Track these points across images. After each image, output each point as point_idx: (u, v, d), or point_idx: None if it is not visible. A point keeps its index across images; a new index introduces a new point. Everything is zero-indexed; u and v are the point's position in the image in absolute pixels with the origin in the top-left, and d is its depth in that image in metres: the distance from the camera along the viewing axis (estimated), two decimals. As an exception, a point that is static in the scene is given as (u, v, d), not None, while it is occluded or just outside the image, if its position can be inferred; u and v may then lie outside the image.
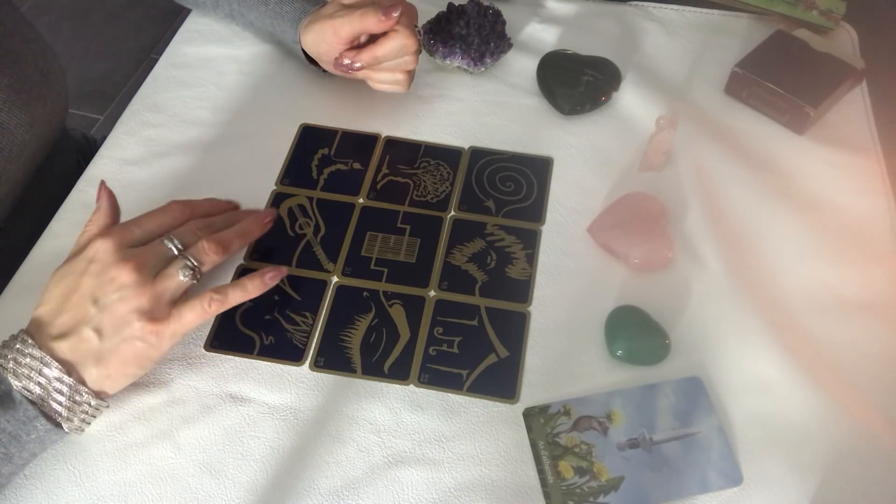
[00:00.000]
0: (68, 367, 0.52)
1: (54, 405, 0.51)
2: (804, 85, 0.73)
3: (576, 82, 0.75)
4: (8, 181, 0.68)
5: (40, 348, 0.51)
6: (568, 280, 0.64)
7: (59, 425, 0.52)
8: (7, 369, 0.50)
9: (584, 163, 0.72)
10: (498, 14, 0.79)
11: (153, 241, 0.56)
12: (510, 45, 0.79)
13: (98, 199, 0.59)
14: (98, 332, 0.52)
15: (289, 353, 0.61)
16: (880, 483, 0.54)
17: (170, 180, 0.71)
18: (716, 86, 0.78)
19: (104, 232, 0.56)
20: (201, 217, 0.61)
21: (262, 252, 0.66)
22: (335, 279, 0.65)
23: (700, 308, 0.62)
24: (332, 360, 0.60)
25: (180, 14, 0.87)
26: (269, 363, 0.60)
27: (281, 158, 0.73)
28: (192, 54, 0.83)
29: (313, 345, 0.61)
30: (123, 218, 0.59)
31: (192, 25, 0.86)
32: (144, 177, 0.72)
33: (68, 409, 0.52)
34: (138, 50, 2.01)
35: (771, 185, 0.70)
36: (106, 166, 0.73)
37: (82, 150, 0.87)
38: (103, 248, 0.54)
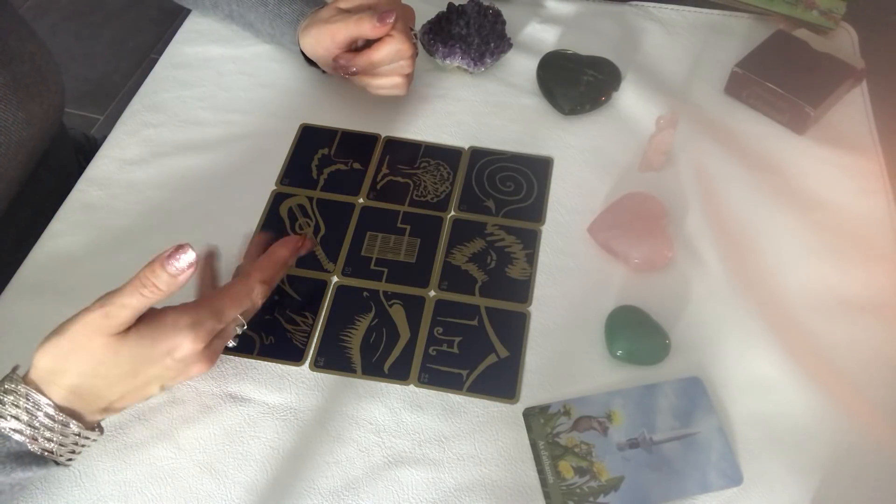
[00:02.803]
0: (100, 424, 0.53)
1: (72, 456, 0.51)
2: (804, 85, 0.73)
3: (576, 82, 0.75)
4: (5, 178, 0.68)
5: (81, 422, 0.50)
6: (568, 280, 0.64)
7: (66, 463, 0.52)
8: (47, 449, 0.49)
9: (584, 163, 0.72)
10: (498, 14, 0.79)
11: (228, 328, 0.54)
12: (510, 45, 0.79)
13: (180, 271, 0.48)
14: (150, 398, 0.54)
15: (289, 353, 0.61)
16: (880, 483, 0.54)
17: (170, 180, 0.71)
18: (716, 86, 0.78)
19: (193, 329, 0.50)
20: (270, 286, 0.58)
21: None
22: (335, 279, 0.65)
23: (700, 308, 0.62)
24: (332, 360, 0.60)
25: (180, 14, 0.87)
26: (269, 363, 0.60)
27: (281, 158, 0.73)
28: (192, 54, 0.83)
29: (313, 345, 0.61)
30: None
31: (192, 25, 0.86)
32: (144, 177, 0.72)
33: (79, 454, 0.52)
34: (138, 50, 2.01)
35: (771, 185, 0.70)
36: (106, 166, 0.73)
37: (83, 150, 0.87)
38: (191, 350, 0.51)
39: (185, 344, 0.50)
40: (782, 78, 0.73)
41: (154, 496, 0.54)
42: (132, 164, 0.73)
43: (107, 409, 0.51)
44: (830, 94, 0.73)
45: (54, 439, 0.49)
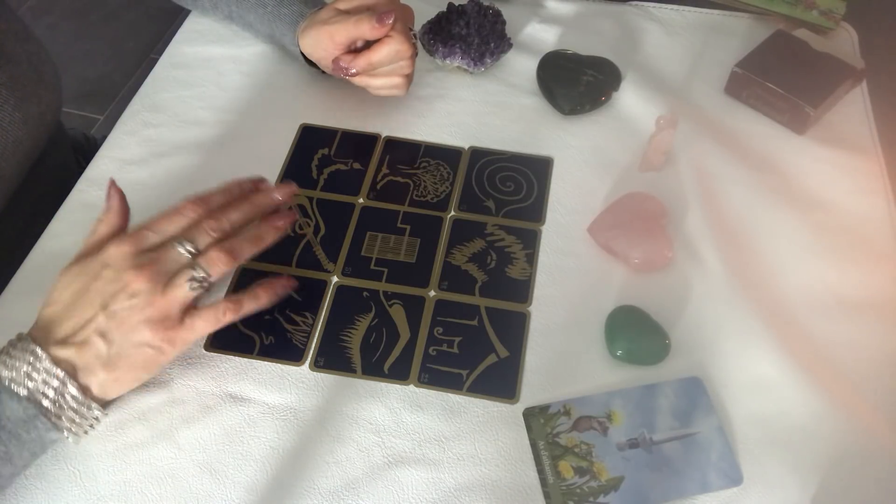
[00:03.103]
0: (72, 372, 0.51)
1: (56, 414, 0.51)
2: (804, 85, 0.73)
3: (576, 82, 0.75)
4: (2, 177, 0.68)
5: (45, 351, 0.51)
6: (568, 280, 0.64)
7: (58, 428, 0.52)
8: (11, 373, 0.50)
9: (584, 163, 0.72)
10: (498, 14, 0.79)
11: (166, 246, 0.54)
12: (510, 45, 0.79)
13: (108, 198, 0.57)
14: (105, 337, 0.52)
15: (289, 353, 0.61)
16: (880, 483, 0.54)
17: (170, 180, 0.71)
18: (716, 86, 0.78)
19: (119, 236, 0.54)
20: (218, 210, 0.57)
21: (262, 252, 0.66)
22: (335, 279, 0.65)
23: (700, 308, 0.62)
24: (332, 360, 0.60)
25: (180, 14, 0.87)
26: (269, 363, 0.60)
27: (281, 158, 0.73)
28: (192, 54, 0.83)
29: (313, 345, 0.61)
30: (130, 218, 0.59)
31: (192, 25, 0.86)
32: (144, 177, 0.72)
33: (71, 420, 0.52)
34: (138, 50, 2.01)
35: (771, 185, 0.70)
36: (106, 166, 0.73)
37: (83, 150, 0.87)
38: (118, 254, 0.53)
39: (111, 247, 0.53)
40: (782, 78, 0.73)
41: (154, 496, 0.54)
42: (132, 164, 0.73)
43: (64, 343, 0.51)
44: (830, 94, 0.73)
45: (10, 354, 0.51)
